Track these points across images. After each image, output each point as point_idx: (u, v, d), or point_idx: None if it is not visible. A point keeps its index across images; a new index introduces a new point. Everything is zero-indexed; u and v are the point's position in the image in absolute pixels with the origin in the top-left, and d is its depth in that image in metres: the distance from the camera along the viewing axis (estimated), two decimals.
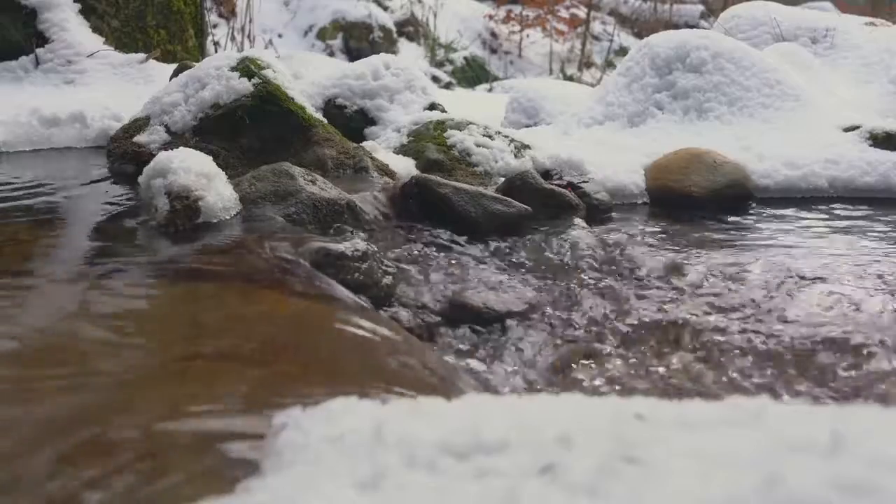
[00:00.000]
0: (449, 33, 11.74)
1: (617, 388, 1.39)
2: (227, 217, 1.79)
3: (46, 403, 0.91)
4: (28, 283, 1.42)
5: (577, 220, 2.31)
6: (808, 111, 3.54)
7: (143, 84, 3.61)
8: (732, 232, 2.52)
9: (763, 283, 1.93)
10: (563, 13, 12.75)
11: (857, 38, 4.76)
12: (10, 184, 2.27)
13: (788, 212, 2.84)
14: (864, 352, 1.54)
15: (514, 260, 1.98)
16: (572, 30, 12.62)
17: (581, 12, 12.76)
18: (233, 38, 7.23)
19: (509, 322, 1.64)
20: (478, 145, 2.80)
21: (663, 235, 2.43)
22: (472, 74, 11.25)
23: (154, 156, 1.90)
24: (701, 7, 13.96)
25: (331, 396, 0.81)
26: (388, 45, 10.40)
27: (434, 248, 1.95)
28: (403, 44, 11.17)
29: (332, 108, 3.11)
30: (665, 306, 1.78)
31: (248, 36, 7.22)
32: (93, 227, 1.91)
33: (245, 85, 2.41)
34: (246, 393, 0.96)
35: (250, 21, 7.18)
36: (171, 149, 1.96)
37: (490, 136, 2.87)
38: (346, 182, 2.24)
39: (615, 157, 3.06)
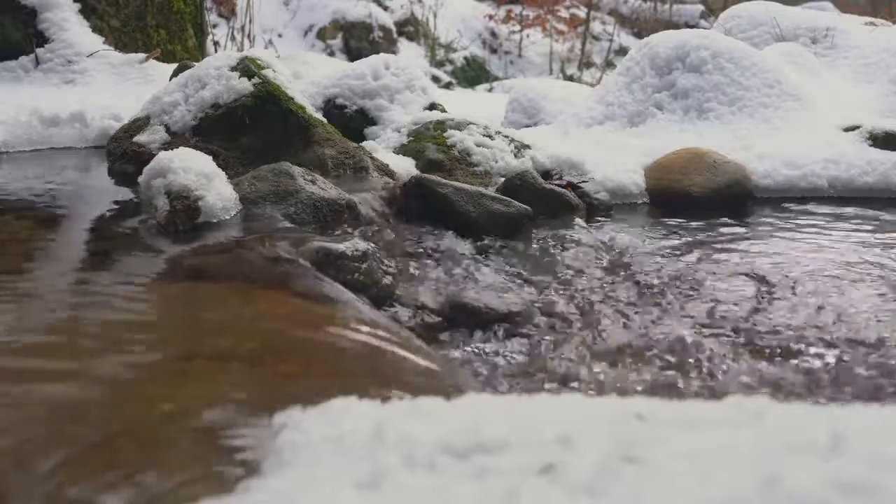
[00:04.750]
0: (449, 33, 11.74)
1: (617, 387, 1.39)
2: (228, 217, 1.79)
3: (46, 403, 0.91)
4: (28, 282, 1.42)
5: (577, 220, 2.31)
6: (808, 111, 3.54)
7: (143, 84, 3.61)
8: (732, 232, 2.52)
9: (763, 284, 1.93)
10: (563, 13, 12.76)
11: (857, 38, 4.76)
12: (10, 184, 2.27)
13: (788, 211, 2.84)
14: (864, 350, 1.54)
15: (514, 260, 1.98)
16: (572, 30, 12.62)
17: (581, 12, 12.76)
18: (233, 38, 7.23)
19: (509, 322, 1.64)
20: (478, 145, 2.79)
21: (663, 235, 2.43)
22: (472, 74, 11.25)
23: (154, 156, 1.90)
24: (701, 7, 13.96)
25: (331, 396, 0.81)
26: (388, 44, 10.40)
27: (434, 248, 1.95)
28: (403, 44, 11.17)
29: (332, 108, 3.11)
30: (665, 306, 1.78)
31: (248, 36, 7.21)
32: (93, 226, 1.91)
33: (245, 85, 2.41)
34: (246, 393, 0.96)
35: (250, 21, 7.18)
36: (171, 149, 1.96)
37: (490, 136, 2.87)
38: (346, 182, 2.24)
39: (615, 156, 3.06)
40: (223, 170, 1.91)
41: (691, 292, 1.87)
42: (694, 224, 2.59)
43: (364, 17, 10.64)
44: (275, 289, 1.40)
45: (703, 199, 2.85)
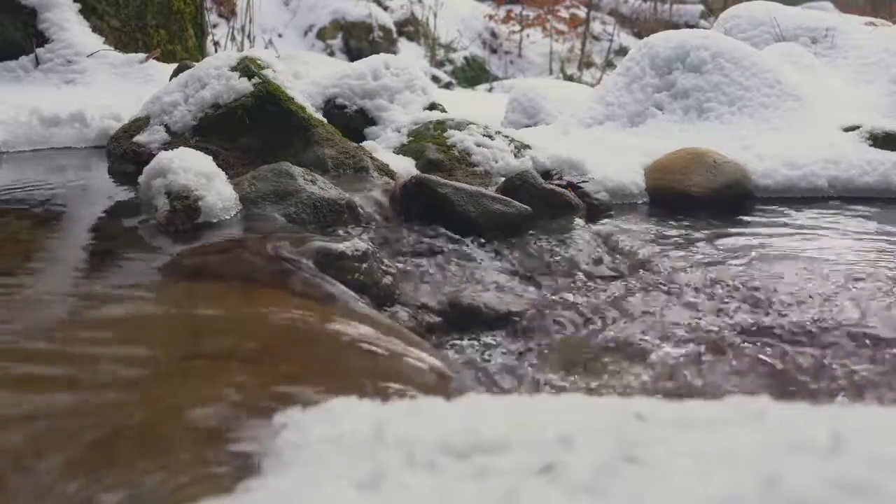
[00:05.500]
0: (449, 33, 11.74)
1: (617, 387, 1.39)
2: (227, 217, 1.79)
3: (46, 403, 0.91)
4: (28, 282, 1.42)
5: (577, 220, 2.31)
6: (808, 111, 3.54)
7: (143, 84, 3.61)
8: (732, 232, 2.52)
9: (761, 283, 1.93)
10: (563, 13, 12.76)
11: (857, 38, 4.76)
12: (10, 184, 2.27)
13: (788, 211, 2.84)
14: (865, 349, 1.54)
15: (513, 260, 1.98)
16: (572, 30, 12.63)
17: (581, 12, 12.77)
18: (233, 38, 7.24)
19: (509, 322, 1.64)
20: (478, 145, 2.79)
21: (663, 236, 2.43)
22: (472, 74, 11.26)
23: (154, 155, 1.90)
24: (701, 7, 13.97)
25: (331, 396, 0.81)
26: (388, 44, 10.40)
27: (434, 248, 1.95)
28: (403, 44, 11.17)
29: (332, 108, 3.11)
30: (664, 306, 1.78)
31: (248, 36, 7.22)
32: (93, 226, 1.91)
33: (245, 85, 2.41)
34: (246, 393, 0.96)
35: (250, 21, 7.18)
36: (171, 149, 1.96)
37: (490, 136, 2.87)
38: (346, 182, 2.24)
39: (615, 156, 3.06)
40: (223, 170, 1.91)
41: (691, 292, 1.87)
42: (694, 224, 2.59)
43: (364, 17, 10.64)
44: (275, 288, 1.40)
45: (702, 199, 2.85)
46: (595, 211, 2.59)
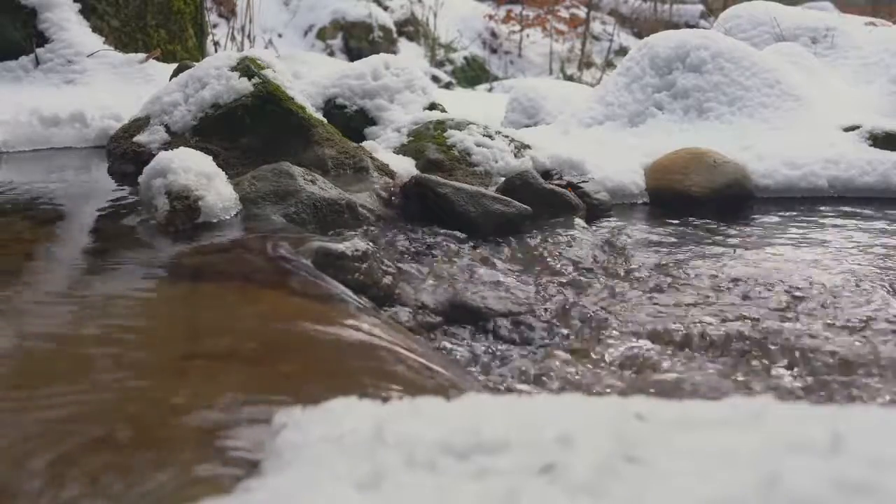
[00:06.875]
0: (449, 33, 11.73)
1: (616, 387, 1.39)
2: (227, 217, 1.79)
3: (47, 402, 0.91)
4: (30, 282, 1.42)
5: (577, 220, 2.31)
6: (808, 111, 3.54)
7: (143, 84, 3.61)
8: (732, 232, 2.52)
9: (760, 283, 1.93)
10: (563, 13, 12.76)
11: (857, 38, 4.76)
12: (11, 184, 2.27)
13: (788, 212, 2.84)
14: (859, 348, 1.54)
15: (514, 260, 1.98)
16: (572, 30, 12.62)
17: (581, 12, 12.77)
18: (233, 38, 7.23)
19: (509, 322, 1.64)
20: (478, 145, 2.79)
21: (663, 235, 2.43)
22: (472, 74, 11.25)
23: (154, 156, 1.90)
24: (701, 7, 13.96)
25: (331, 396, 0.81)
26: (388, 44, 10.40)
27: (434, 248, 1.95)
28: (403, 44, 11.17)
29: (332, 108, 3.11)
30: (664, 307, 1.78)
31: (248, 36, 7.21)
32: (93, 226, 1.91)
33: (245, 85, 2.41)
34: (246, 392, 0.96)
35: (250, 21, 7.18)
36: (171, 149, 1.96)
37: (490, 136, 2.87)
38: (346, 182, 2.24)
39: (615, 156, 3.07)
40: (223, 170, 1.91)
41: (691, 293, 1.87)
42: (694, 224, 2.59)
43: (364, 17, 10.64)
44: (275, 288, 1.40)
45: (702, 199, 2.85)
46: (595, 211, 2.59)
